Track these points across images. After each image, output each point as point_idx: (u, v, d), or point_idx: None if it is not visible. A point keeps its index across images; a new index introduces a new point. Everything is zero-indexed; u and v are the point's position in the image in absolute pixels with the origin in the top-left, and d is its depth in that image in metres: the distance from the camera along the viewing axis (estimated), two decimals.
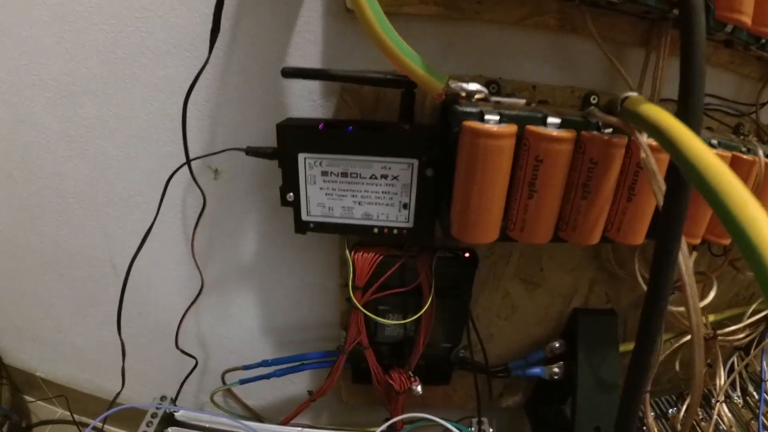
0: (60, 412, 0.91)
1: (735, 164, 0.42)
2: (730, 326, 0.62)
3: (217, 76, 0.45)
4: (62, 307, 0.72)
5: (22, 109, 0.53)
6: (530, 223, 0.36)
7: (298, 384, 0.68)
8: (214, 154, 0.46)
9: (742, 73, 0.50)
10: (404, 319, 0.49)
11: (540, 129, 0.33)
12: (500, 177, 0.34)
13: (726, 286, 0.66)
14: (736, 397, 0.71)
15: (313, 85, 0.44)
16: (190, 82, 0.43)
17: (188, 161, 0.45)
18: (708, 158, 0.22)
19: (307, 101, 0.45)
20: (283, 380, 0.67)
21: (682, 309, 0.49)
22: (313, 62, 0.43)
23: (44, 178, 0.57)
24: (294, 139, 0.39)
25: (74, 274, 0.66)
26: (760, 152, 0.43)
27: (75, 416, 0.86)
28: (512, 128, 0.33)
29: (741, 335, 0.64)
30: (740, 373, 0.73)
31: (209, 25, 0.41)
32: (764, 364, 0.71)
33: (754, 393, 0.71)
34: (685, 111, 0.27)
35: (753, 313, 0.63)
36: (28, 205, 0.60)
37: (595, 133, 0.35)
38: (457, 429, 0.45)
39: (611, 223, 0.39)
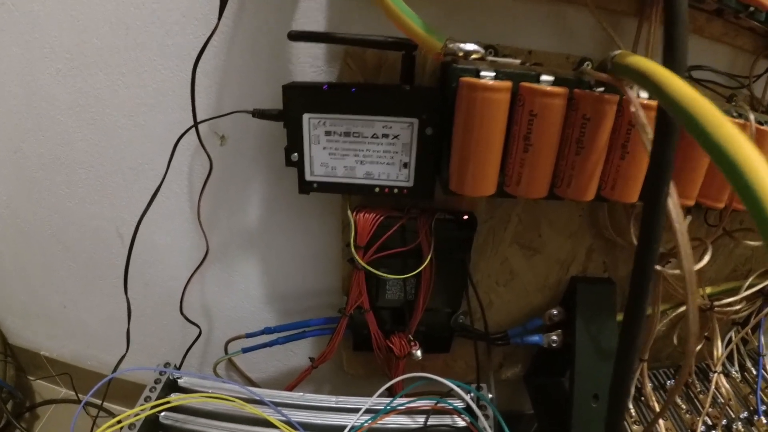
0: (64, 392, 0.92)
1: None
2: (726, 299, 0.64)
3: (224, 43, 0.46)
4: (69, 281, 0.73)
5: (33, 82, 0.54)
6: (526, 177, 0.37)
7: (299, 355, 0.70)
8: (222, 116, 0.48)
9: (735, 45, 0.51)
10: (404, 282, 0.51)
11: (534, 85, 0.35)
12: (496, 129, 0.35)
13: (723, 261, 0.67)
14: (734, 372, 0.73)
15: (318, 51, 0.46)
16: (198, 49, 0.45)
17: (195, 124, 0.47)
18: (689, 93, 0.23)
19: (311, 67, 0.46)
20: (284, 351, 0.69)
21: (677, 272, 0.51)
22: (318, 27, 0.44)
23: (53, 150, 0.59)
24: (299, 100, 0.41)
25: (81, 246, 0.68)
26: (752, 116, 0.44)
27: (79, 395, 0.87)
28: (507, 83, 0.35)
29: (737, 307, 0.65)
30: (738, 349, 0.75)
31: None
32: (762, 339, 0.73)
33: (753, 369, 0.72)
34: (671, 58, 0.28)
35: (749, 287, 0.64)
36: (37, 177, 0.62)
37: (587, 90, 0.36)
38: (458, 386, 0.47)
39: (605, 182, 0.40)
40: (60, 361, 0.88)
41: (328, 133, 0.42)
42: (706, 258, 0.51)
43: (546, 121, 0.35)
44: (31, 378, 0.94)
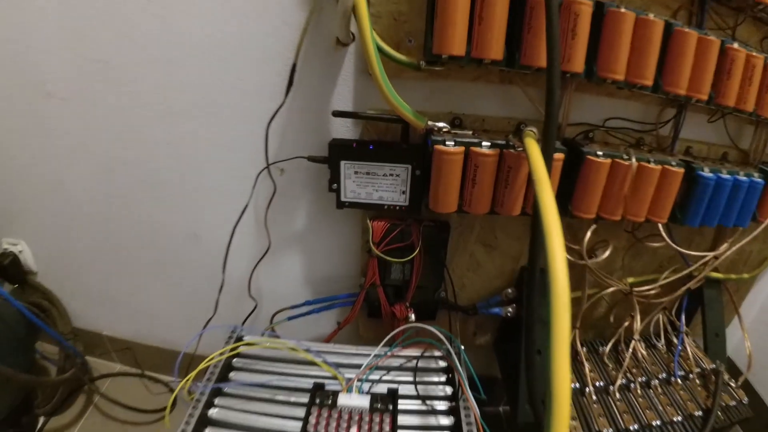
0: (119, 367, 1.02)
1: (615, 167, 0.63)
2: (645, 286, 0.85)
3: (285, 110, 0.69)
4: (141, 271, 0.90)
5: (128, 123, 0.72)
6: (474, 201, 0.61)
7: (325, 326, 0.90)
8: (286, 160, 0.72)
9: (644, 102, 0.70)
10: (403, 265, 0.75)
11: (477, 149, 0.59)
12: (454, 175, 0.60)
13: (649, 258, 0.86)
14: (660, 345, 0.93)
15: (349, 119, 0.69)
16: (267, 113, 0.68)
17: (268, 165, 0.71)
18: (541, 175, 0.47)
19: (343, 127, 0.70)
20: (315, 321, 0.86)
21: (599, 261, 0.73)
22: (348, 104, 0.68)
23: (142, 173, 0.78)
24: (338, 152, 0.66)
25: (158, 243, 0.85)
26: (633, 158, 0.63)
27: (143, 370, 0.99)
28: (461, 148, 0.59)
29: (653, 292, 0.84)
30: (666, 329, 0.95)
31: (283, 78, 0.66)
32: (683, 319, 0.93)
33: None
34: (544, 134, 0.52)
35: (665, 278, 0.84)
36: (130, 192, 0.80)
37: (511, 150, 0.60)
38: (439, 331, 0.68)
39: (527, 203, 0.63)
40: (121, 339, 0.99)
41: (356, 173, 0.66)
42: (607, 252, 0.74)
43: (485, 170, 0.59)
44: (91, 358, 1.02)
